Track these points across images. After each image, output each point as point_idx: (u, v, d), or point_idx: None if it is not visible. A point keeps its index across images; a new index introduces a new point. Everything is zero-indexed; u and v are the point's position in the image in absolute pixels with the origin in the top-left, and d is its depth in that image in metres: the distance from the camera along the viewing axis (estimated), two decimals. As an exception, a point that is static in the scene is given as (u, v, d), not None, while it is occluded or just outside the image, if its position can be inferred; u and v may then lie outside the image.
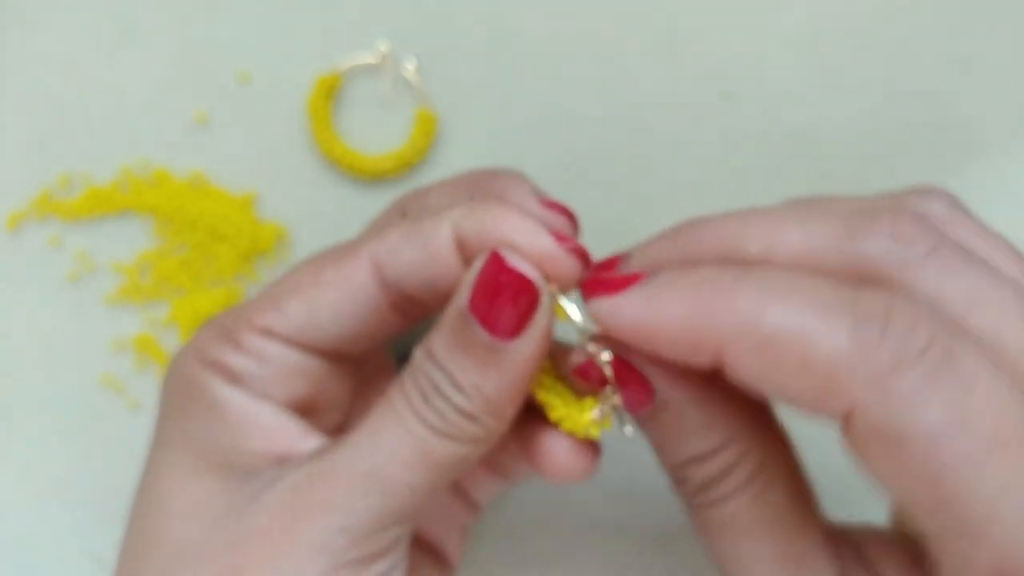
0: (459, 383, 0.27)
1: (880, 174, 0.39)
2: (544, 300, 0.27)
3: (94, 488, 0.38)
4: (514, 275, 0.27)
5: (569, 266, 0.28)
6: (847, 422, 0.24)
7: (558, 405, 0.29)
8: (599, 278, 0.27)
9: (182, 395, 0.30)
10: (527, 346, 0.27)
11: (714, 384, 0.27)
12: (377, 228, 0.32)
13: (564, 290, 0.28)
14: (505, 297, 0.27)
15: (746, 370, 0.25)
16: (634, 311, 0.26)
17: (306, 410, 0.31)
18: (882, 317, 0.24)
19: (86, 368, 0.39)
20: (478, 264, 0.27)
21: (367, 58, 0.39)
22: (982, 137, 0.39)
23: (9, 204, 0.39)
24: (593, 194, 0.38)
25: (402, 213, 0.32)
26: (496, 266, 0.27)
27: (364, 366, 0.33)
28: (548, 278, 0.27)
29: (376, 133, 0.39)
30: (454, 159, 0.39)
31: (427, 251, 0.28)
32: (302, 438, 0.29)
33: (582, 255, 0.28)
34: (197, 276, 0.39)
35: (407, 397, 0.28)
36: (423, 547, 0.33)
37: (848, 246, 0.26)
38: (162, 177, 0.39)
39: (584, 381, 0.28)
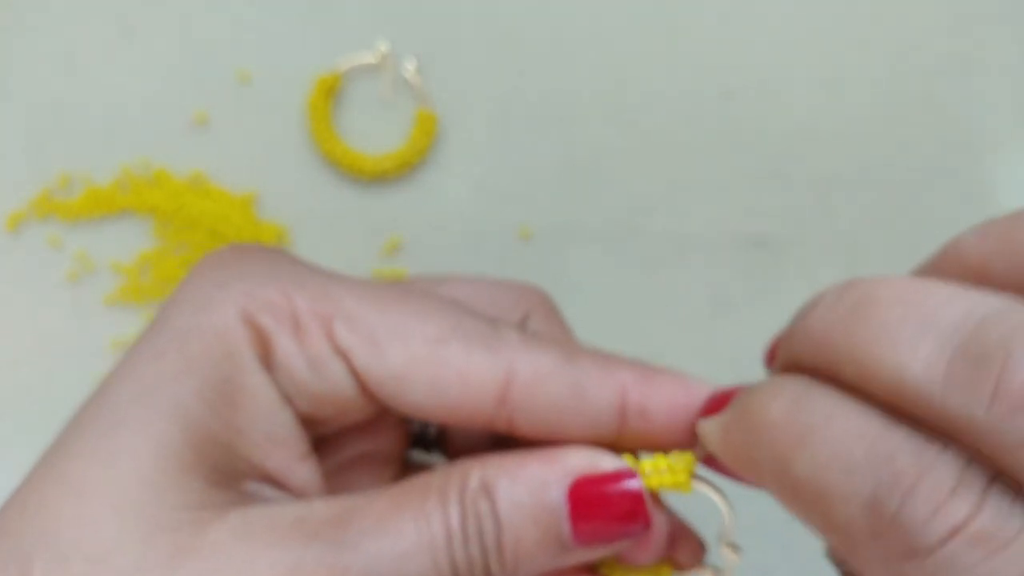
0: (504, 547, 0.23)
1: (880, 174, 0.39)
2: (635, 532, 0.24)
3: (94, 488, 0.38)
4: (633, 500, 0.24)
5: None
6: None
7: None
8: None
9: (208, 341, 0.24)
10: (593, 556, 0.24)
11: None
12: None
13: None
14: (607, 515, 0.24)
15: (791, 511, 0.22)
16: (712, 444, 0.24)
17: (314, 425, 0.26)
18: (903, 490, 0.19)
19: (86, 368, 0.38)
20: (605, 464, 0.24)
21: (367, 58, 0.39)
22: (982, 138, 0.39)
23: (9, 204, 0.39)
24: (593, 194, 0.38)
25: None
26: (619, 481, 0.24)
27: None
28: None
29: (376, 133, 0.39)
30: (454, 159, 0.39)
31: (579, 398, 0.24)
32: (299, 462, 0.25)
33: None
34: (197, 276, 0.39)
35: (448, 530, 0.23)
36: None
37: (939, 396, 0.19)
38: (162, 177, 0.39)
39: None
